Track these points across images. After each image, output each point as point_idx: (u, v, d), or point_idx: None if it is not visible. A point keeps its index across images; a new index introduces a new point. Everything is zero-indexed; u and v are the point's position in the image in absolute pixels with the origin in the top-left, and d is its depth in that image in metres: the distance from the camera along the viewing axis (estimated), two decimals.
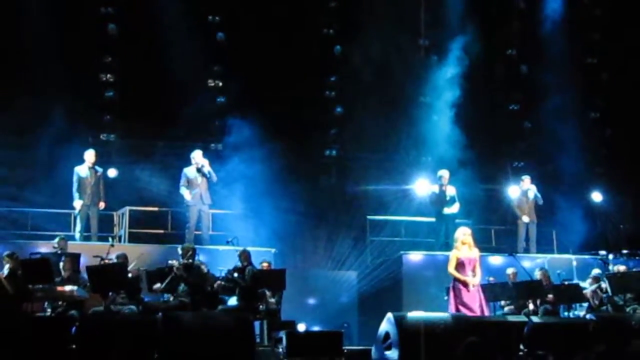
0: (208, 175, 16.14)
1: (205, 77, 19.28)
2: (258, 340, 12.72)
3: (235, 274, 13.70)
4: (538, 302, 14.71)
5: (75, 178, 16.01)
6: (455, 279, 13.28)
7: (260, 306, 13.53)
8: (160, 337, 11.03)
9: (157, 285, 13.16)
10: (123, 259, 13.56)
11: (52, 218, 17.10)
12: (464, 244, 13.38)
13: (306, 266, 18.51)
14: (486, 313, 13.31)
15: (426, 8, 20.70)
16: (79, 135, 17.80)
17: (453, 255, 13.37)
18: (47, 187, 17.29)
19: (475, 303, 13.10)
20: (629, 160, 20.92)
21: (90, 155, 16.15)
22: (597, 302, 14.80)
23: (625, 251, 18.00)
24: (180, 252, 13.45)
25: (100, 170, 16.24)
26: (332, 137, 20.25)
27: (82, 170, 16.05)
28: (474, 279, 13.18)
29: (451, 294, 13.36)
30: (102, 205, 16.20)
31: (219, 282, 13.70)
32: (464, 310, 12.95)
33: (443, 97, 19.96)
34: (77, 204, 15.95)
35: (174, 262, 13.32)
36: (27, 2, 17.67)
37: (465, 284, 13.18)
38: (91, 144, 17.20)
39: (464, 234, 13.50)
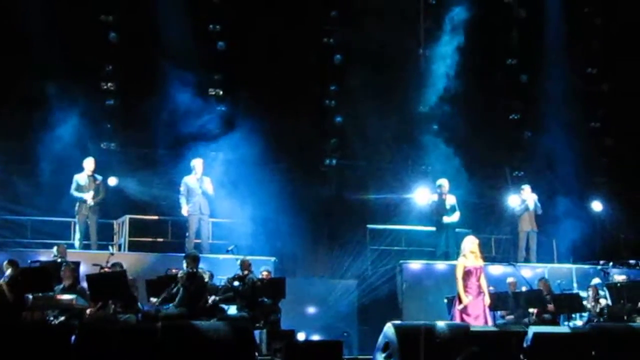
0: (205, 194, 16.19)
1: (205, 86, 19.26)
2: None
3: (236, 283, 13.68)
4: (536, 311, 14.71)
5: (74, 186, 16.01)
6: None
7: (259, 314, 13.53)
8: (159, 347, 11.00)
9: (154, 300, 13.14)
10: (118, 268, 13.56)
11: (52, 226, 17.11)
12: (471, 253, 13.36)
13: (306, 275, 18.50)
14: (489, 322, 13.29)
15: (426, 17, 20.73)
16: (80, 143, 17.79)
17: (460, 264, 13.34)
18: (47, 195, 17.28)
19: (478, 312, 13.08)
20: (630, 170, 20.92)
21: (89, 163, 16.14)
22: (596, 312, 14.81)
23: (625, 261, 18.00)
24: (184, 260, 13.40)
25: (99, 178, 16.23)
26: (332, 146, 20.23)
27: (81, 179, 16.05)
28: (468, 299, 13.14)
29: (455, 302, 13.34)
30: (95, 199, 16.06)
31: (214, 297, 13.60)
32: (467, 319, 12.94)
33: (443, 106, 20.00)
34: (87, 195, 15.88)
35: (176, 271, 13.29)
36: (26, 10, 17.65)
37: (460, 298, 13.17)
38: (91, 153, 17.17)
39: (472, 243, 13.47)
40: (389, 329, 12.08)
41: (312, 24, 20.21)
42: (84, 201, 15.95)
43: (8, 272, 12.55)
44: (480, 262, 13.43)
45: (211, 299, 13.52)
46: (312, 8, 19.96)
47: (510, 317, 14.91)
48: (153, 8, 18.32)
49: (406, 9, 20.17)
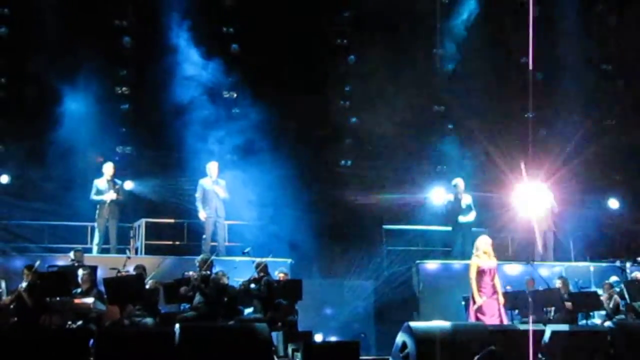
0: (221, 197, 16.27)
1: (219, 88, 19.29)
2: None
3: (252, 285, 13.70)
4: (554, 310, 14.67)
5: (93, 191, 16.07)
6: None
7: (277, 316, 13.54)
8: (177, 349, 11.04)
9: (184, 288, 13.17)
10: (140, 270, 13.63)
11: (70, 231, 17.19)
12: (485, 253, 13.33)
13: (322, 276, 18.50)
14: (505, 322, 13.26)
15: (440, 16, 20.68)
16: (95, 147, 17.88)
17: (474, 264, 13.32)
18: (63, 200, 17.37)
19: (494, 312, 13.06)
20: None
21: (108, 168, 16.21)
22: (612, 309, 14.75)
23: None
24: (197, 263, 13.46)
25: (119, 182, 16.32)
26: (348, 147, 20.23)
27: (100, 183, 16.12)
28: (482, 300, 13.11)
29: (470, 302, 13.32)
30: (113, 195, 16.13)
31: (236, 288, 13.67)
32: (482, 319, 12.92)
33: (457, 106, 19.96)
34: (107, 195, 15.97)
35: (191, 274, 13.35)
36: (40, 15, 17.74)
37: (474, 298, 13.15)
38: (107, 157, 17.24)
39: (486, 243, 13.45)
40: (406, 329, 12.08)
41: (325, 25, 20.20)
42: (104, 203, 15.98)
43: (27, 277, 12.63)
44: (493, 262, 13.41)
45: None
46: (324, 9, 19.94)
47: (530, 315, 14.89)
48: (166, 12, 18.36)
49: (420, 10, 20.12)
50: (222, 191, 16.33)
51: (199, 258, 13.67)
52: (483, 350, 10.51)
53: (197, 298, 13.11)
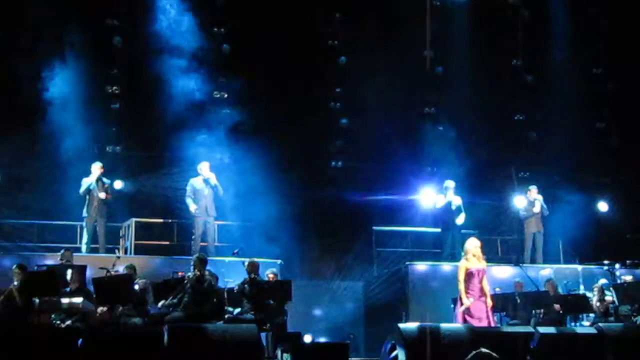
0: (214, 189, 16.22)
1: (210, 89, 19.28)
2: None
3: (246, 286, 13.62)
4: (542, 312, 14.71)
5: (82, 187, 16.03)
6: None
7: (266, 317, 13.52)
8: (165, 349, 11.01)
9: (162, 302, 13.12)
10: (131, 270, 13.59)
11: (58, 230, 17.15)
12: (474, 256, 13.33)
13: (312, 277, 18.50)
14: (493, 324, 13.28)
15: (431, 19, 20.68)
16: (85, 147, 17.83)
17: (462, 266, 13.31)
18: (53, 200, 17.32)
19: (481, 314, 13.07)
20: (635, 170, 20.87)
21: (97, 167, 16.19)
22: (602, 312, 14.79)
23: (631, 261, 17.95)
24: (192, 263, 13.39)
25: (107, 182, 16.30)
26: (338, 148, 20.24)
27: (89, 181, 16.07)
28: (469, 301, 13.12)
29: (458, 304, 13.33)
30: (102, 195, 16.13)
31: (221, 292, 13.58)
32: (470, 321, 12.92)
33: (448, 107, 19.98)
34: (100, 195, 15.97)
35: (182, 274, 13.28)
36: (32, 14, 17.70)
37: (461, 299, 13.15)
38: (97, 156, 17.21)
39: (474, 245, 13.43)
40: (395, 330, 12.09)
41: (317, 26, 20.20)
42: (92, 202, 15.93)
43: (18, 276, 12.58)
44: (482, 264, 13.40)
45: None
46: (315, 10, 19.94)
47: (517, 318, 14.91)
48: (158, 11, 18.34)
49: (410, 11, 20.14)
50: (215, 178, 16.26)
51: (194, 257, 13.55)
52: (473, 351, 10.50)
53: (188, 297, 13.04)
